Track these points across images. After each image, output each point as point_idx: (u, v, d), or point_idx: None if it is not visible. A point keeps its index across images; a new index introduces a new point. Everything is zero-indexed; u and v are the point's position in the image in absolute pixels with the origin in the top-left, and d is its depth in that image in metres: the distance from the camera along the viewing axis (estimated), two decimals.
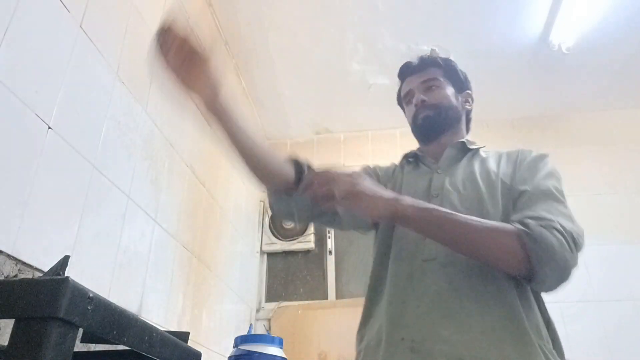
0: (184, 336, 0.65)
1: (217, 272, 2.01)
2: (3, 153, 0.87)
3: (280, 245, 2.76)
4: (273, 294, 2.72)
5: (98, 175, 1.15)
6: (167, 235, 1.53)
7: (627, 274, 2.52)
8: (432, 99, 1.11)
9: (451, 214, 0.85)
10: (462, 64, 1.16)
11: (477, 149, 1.10)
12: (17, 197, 0.89)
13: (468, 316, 0.83)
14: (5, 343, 0.37)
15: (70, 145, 1.05)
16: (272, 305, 2.64)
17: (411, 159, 1.16)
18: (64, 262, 0.46)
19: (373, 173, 1.16)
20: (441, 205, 0.95)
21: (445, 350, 0.80)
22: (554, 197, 0.90)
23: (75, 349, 0.40)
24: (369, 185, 0.86)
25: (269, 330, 2.47)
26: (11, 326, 0.37)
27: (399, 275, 0.95)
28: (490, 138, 3.27)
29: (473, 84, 1.21)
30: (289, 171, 0.97)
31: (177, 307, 1.59)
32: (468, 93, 1.18)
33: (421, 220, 0.85)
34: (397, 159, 1.21)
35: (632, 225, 2.63)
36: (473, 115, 1.19)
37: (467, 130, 1.19)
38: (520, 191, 0.93)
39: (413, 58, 1.19)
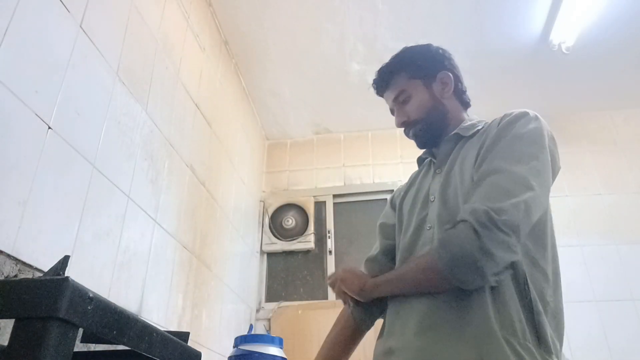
0: (184, 336, 0.65)
1: (217, 272, 2.01)
2: (3, 153, 0.87)
3: (280, 245, 2.76)
4: (273, 294, 2.72)
5: (98, 175, 1.15)
6: (167, 235, 1.53)
7: (627, 274, 2.52)
8: (411, 115, 1.07)
9: (395, 272, 0.95)
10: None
11: (472, 134, 1.02)
12: (17, 197, 0.89)
13: (443, 326, 0.84)
14: (5, 343, 0.37)
15: (70, 145, 1.05)
16: (272, 305, 2.64)
17: (425, 160, 1.15)
18: (64, 262, 0.46)
19: (390, 200, 1.20)
20: (434, 210, 0.95)
21: (415, 357, 0.84)
22: (499, 172, 0.83)
23: (75, 349, 0.40)
24: (351, 276, 1.03)
25: (269, 330, 2.47)
26: (11, 326, 0.37)
27: None
28: None
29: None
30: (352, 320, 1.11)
31: (177, 307, 1.59)
32: (444, 73, 1.07)
33: (381, 291, 0.97)
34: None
35: (632, 225, 2.63)
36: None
37: (464, 106, 1.11)
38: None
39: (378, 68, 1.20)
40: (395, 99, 1.10)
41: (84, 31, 1.13)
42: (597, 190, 2.75)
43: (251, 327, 0.64)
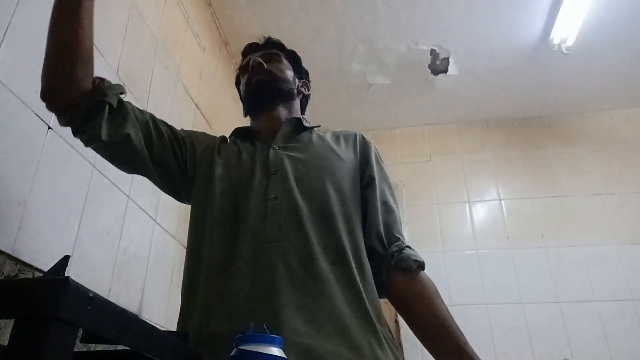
0: (184, 336, 0.65)
1: None
2: (3, 153, 0.87)
3: None
4: None
5: (98, 175, 1.15)
6: (167, 235, 1.53)
7: (627, 274, 2.52)
8: (274, 70, 1.11)
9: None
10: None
11: (312, 128, 1.09)
12: (17, 197, 0.89)
13: (317, 304, 0.79)
14: (5, 343, 0.37)
15: (70, 145, 1.05)
16: None
17: (242, 133, 1.10)
18: (64, 262, 0.46)
19: (186, 136, 1.05)
20: (280, 182, 0.92)
21: (294, 342, 0.74)
22: (394, 210, 1.01)
23: (75, 349, 0.40)
24: None
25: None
26: (11, 326, 0.37)
27: (242, 257, 0.86)
28: (490, 138, 3.26)
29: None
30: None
31: (177, 307, 1.59)
32: (306, 82, 1.20)
33: None
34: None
35: (632, 225, 2.63)
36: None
37: (302, 113, 1.19)
38: (370, 177, 1.01)
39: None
40: (266, 54, 1.13)
41: None
42: (597, 190, 2.75)
43: (251, 327, 0.63)
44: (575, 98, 2.84)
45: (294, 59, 1.19)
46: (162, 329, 0.56)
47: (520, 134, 2.93)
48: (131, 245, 1.30)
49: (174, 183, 1.02)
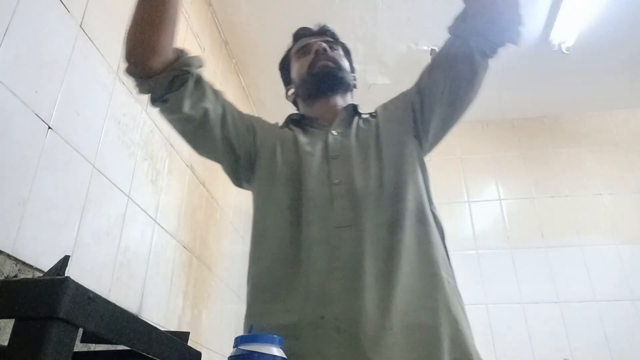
0: (184, 336, 0.65)
1: (217, 272, 2.01)
2: (3, 153, 0.87)
3: None
4: None
5: (98, 175, 1.15)
6: (167, 235, 1.53)
7: (627, 274, 2.52)
8: (337, 58, 1.12)
9: None
10: None
11: (369, 114, 1.09)
12: (17, 197, 0.89)
13: (390, 283, 0.82)
14: (5, 343, 0.37)
15: (70, 145, 1.05)
16: None
17: (296, 120, 1.11)
18: (64, 262, 0.46)
19: (251, 120, 1.08)
20: (342, 166, 0.94)
21: (375, 320, 0.78)
22: None
23: (75, 349, 0.40)
24: None
25: None
26: (11, 326, 0.37)
27: (311, 243, 0.87)
28: (490, 138, 3.25)
29: None
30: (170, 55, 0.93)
31: (177, 307, 1.59)
32: (354, 76, 1.21)
33: None
34: None
35: (632, 225, 2.63)
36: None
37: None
38: (412, 94, 1.05)
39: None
40: (327, 41, 1.14)
41: (84, 31, 1.13)
42: (597, 190, 2.75)
43: (251, 327, 0.63)
44: (575, 98, 2.84)
45: (347, 52, 1.20)
46: (162, 329, 0.56)
47: (520, 134, 2.93)
48: (131, 245, 1.30)
49: (237, 164, 1.03)
